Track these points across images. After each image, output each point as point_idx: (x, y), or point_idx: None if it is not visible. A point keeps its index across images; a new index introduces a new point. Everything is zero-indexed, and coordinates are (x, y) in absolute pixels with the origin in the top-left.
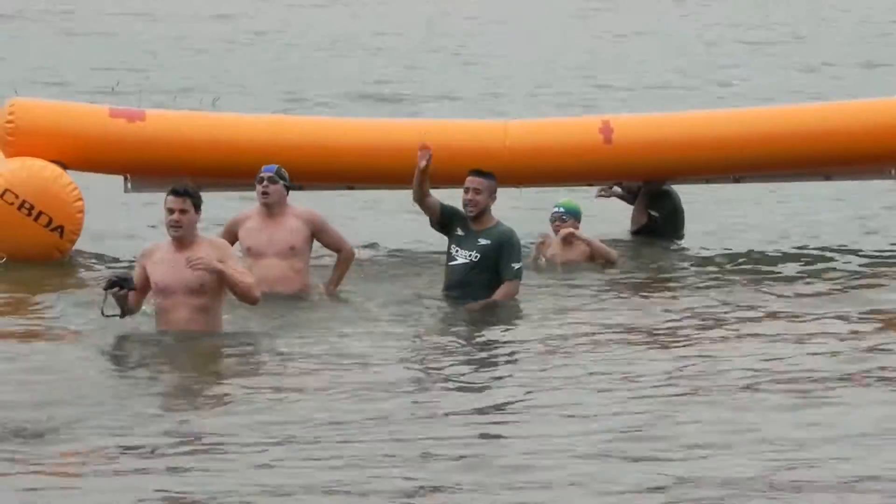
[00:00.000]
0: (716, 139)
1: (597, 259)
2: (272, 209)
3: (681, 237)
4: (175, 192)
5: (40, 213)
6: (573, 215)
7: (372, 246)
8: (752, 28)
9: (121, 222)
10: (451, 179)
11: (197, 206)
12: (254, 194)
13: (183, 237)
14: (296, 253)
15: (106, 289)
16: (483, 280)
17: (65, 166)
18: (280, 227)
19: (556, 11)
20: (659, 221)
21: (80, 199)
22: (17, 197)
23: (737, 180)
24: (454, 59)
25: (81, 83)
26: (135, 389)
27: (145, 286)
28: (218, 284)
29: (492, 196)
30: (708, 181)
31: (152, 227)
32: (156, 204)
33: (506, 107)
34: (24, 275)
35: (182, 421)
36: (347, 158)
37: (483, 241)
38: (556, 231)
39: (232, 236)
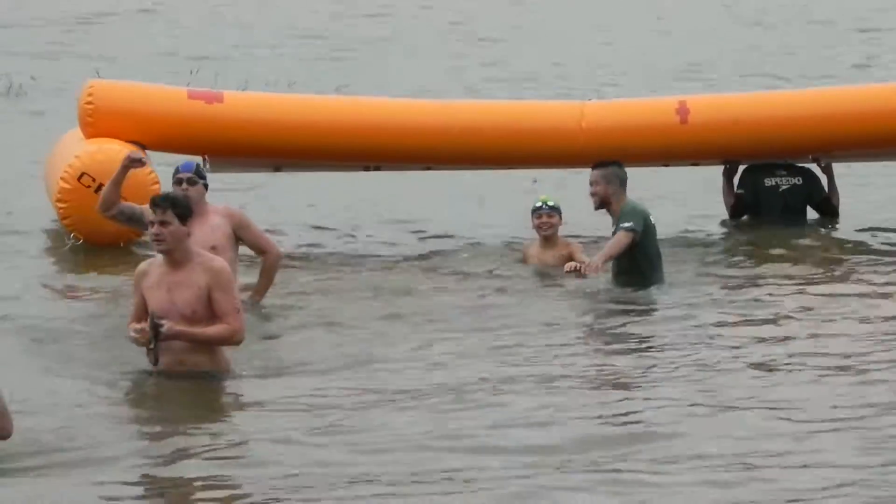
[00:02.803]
0: (793, 119)
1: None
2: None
3: (774, 219)
4: (154, 203)
5: None
6: (557, 211)
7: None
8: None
9: None
10: (528, 160)
11: (182, 217)
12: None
13: (171, 252)
14: (218, 252)
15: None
16: (626, 265)
17: (144, 147)
18: (200, 226)
19: None
20: (748, 198)
21: (157, 182)
22: (93, 180)
23: (815, 160)
24: (529, 39)
25: (159, 68)
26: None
27: (143, 314)
28: (210, 310)
29: (611, 183)
30: (786, 161)
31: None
32: (233, 189)
33: (581, 88)
34: (98, 257)
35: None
36: (424, 139)
37: (613, 229)
38: (539, 228)
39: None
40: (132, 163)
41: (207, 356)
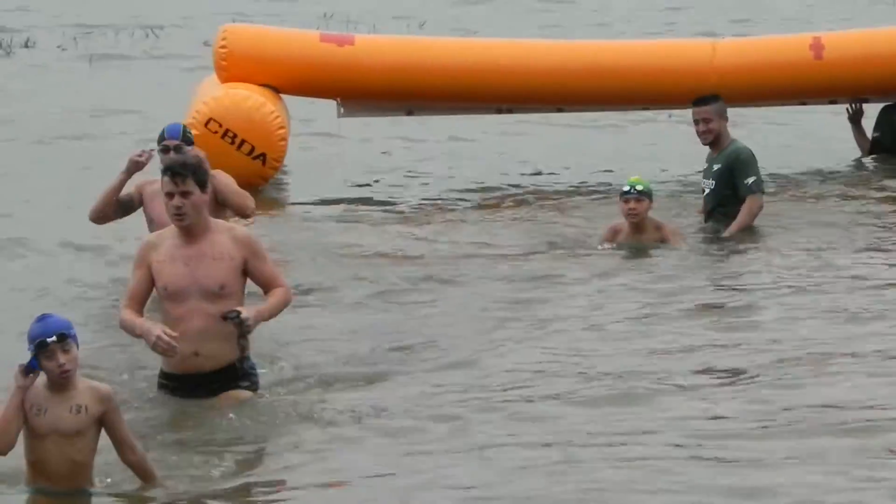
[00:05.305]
0: None
1: (670, 243)
2: None
3: None
4: (173, 171)
5: (243, 141)
6: (647, 195)
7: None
8: None
9: (331, 148)
10: (660, 100)
11: (202, 184)
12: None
13: (191, 226)
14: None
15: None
16: (724, 204)
17: (278, 91)
18: None
19: None
20: (885, 140)
21: (283, 126)
22: (220, 126)
23: None
24: None
25: (294, 12)
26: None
27: (145, 294)
28: (241, 284)
29: (722, 117)
30: None
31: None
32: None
33: (713, 27)
34: None
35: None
36: (555, 80)
37: (716, 167)
38: (627, 214)
39: (139, 203)
40: (135, 165)
41: (226, 343)
